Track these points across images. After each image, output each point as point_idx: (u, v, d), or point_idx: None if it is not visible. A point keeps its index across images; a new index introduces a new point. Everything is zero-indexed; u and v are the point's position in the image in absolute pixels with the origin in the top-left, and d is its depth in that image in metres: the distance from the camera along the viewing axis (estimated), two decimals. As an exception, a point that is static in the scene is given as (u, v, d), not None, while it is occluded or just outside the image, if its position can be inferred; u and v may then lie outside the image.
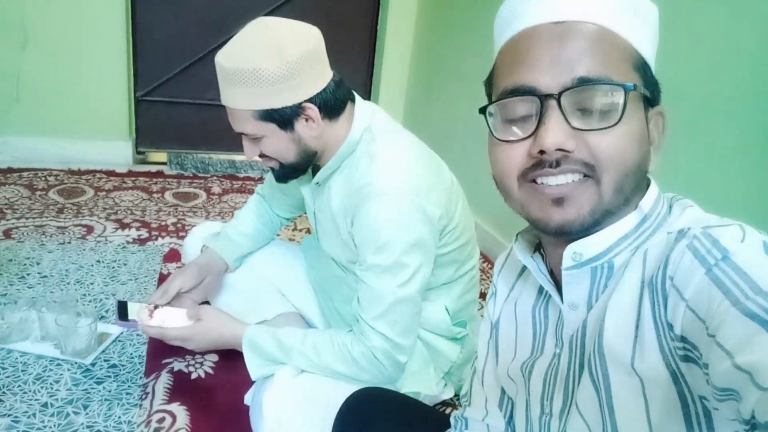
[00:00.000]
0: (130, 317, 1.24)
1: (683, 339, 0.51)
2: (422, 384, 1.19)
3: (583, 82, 0.56)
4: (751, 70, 1.13)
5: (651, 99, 0.61)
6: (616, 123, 0.56)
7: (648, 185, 0.63)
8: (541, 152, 0.57)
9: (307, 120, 1.10)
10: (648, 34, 0.61)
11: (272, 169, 1.20)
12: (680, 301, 0.51)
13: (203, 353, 1.41)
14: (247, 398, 1.26)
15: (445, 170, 1.23)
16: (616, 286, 0.60)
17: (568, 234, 0.60)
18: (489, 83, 0.66)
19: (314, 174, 1.22)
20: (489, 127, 0.62)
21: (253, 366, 1.14)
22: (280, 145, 1.11)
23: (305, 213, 1.48)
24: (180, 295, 1.34)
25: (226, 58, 1.07)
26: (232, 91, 1.07)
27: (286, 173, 1.19)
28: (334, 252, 1.26)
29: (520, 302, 0.76)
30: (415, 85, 3.06)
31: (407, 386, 1.17)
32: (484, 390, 0.84)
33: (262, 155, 1.15)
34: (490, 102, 0.62)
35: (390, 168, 1.09)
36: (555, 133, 0.56)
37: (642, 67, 0.60)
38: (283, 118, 1.08)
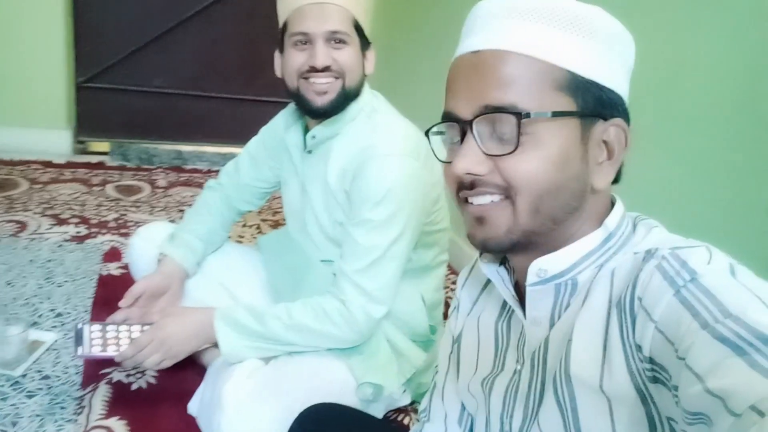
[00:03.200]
0: (92, 351, 1.12)
1: (651, 360, 0.51)
2: (386, 379, 1.18)
3: (489, 110, 0.59)
4: (717, 76, 1.14)
5: (598, 115, 0.60)
6: (515, 149, 0.57)
7: (613, 203, 0.64)
8: (457, 176, 0.61)
9: (366, 57, 1.19)
10: (591, 48, 0.60)
11: (323, 96, 1.15)
12: (649, 322, 0.51)
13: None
14: (191, 407, 1.21)
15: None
16: (582, 306, 0.60)
17: (489, 250, 0.64)
18: None
19: (305, 144, 1.25)
20: (432, 148, 0.67)
21: (228, 342, 1.12)
22: (354, 59, 1.15)
23: (264, 204, 1.50)
24: (146, 306, 1.26)
25: None
26: None
27: (337, 101, 1.15)
28: (319, 224, 1.24)
29: (483, 316, 0.76)
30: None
31: (370, 377, 1.16)
32: (444, 405, 0.84)
33: (328, 69, 1.13)
34: (430, 126, 0.67)
35: (392, 133, 1.17)
36: (464, 159, 0.59)
37: (575, 87, 0.59)
38: (364, 40, 1.17)
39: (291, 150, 1.29)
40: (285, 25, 1.16)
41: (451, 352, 0.82)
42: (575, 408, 0.59)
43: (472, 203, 0.62)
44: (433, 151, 0.66)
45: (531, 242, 0.61)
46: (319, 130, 1.20)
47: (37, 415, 1.18)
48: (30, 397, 1.23)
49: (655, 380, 0.51)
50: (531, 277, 0.62)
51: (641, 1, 1.30)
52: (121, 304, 1.23)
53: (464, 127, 0.60)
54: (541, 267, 0.62)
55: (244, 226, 2.24)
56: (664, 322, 0.50)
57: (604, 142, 0.61)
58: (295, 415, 0.93)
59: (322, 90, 1.14)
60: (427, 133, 0.67)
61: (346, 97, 1.16)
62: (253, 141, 1.43)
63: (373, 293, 1.12)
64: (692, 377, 0.45)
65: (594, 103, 0.60)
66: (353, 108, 1.18)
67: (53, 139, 2.71)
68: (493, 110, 0.58)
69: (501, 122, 0.59)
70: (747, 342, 0.43)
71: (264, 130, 1.42)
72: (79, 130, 2.83)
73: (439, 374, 0.85)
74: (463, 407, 0.81)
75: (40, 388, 1.25)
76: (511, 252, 0.64)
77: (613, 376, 0.55)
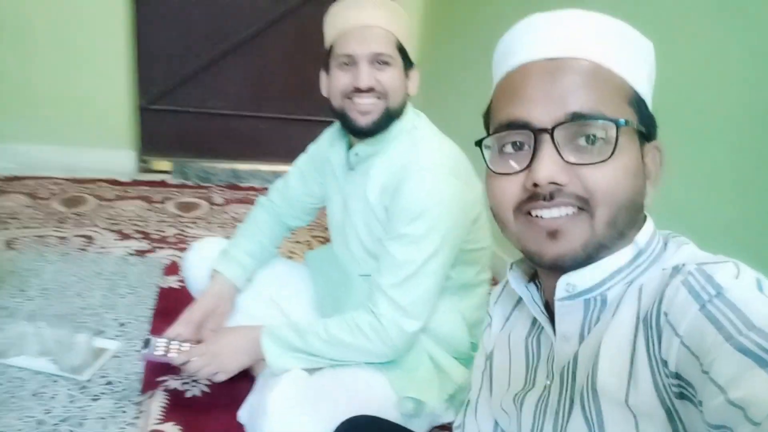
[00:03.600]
0: (155, 353, 1.23)
1: (678, 376, 0.51)
2: (427, 394, 1.20)
3: (576, 117, 0.57)
4: (738, 93, 1.13)
5: (647, 134, 0.62)
6: (609, 157, 0.57)
7: (644, 220, 0.64)
8: (535, 185, 0.58)
9: (410, 77, 1.22)
10: (644, 70, 0.62)
11: (366, 116, 1.18)
12: (674, 337, 0.51)
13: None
14: (241, 415, 1.26)
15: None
16: (610, 322, 0.60)
17: (562, 267, 0.61)
18: (487, 116, 0.68)
19: (348, 161, 1.29)
20: (485, 159, 0.63)
21: (273, 355, 1.18)
22: (397, 80, 1.17)
23: (313, 220, 1.55)
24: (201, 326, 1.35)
25: None
26: (382, 12, 1.17)
27: (380, 121, 1.18)
28: (360, 239, 1.27)
29: (514, 333, 0.77)
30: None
31: (411, 391, 1.18)
32: (477, 422, 0.84)
33: (372, 90, 1.16)
34: (487, 135, 0.64)
35: (433, 150, 1.19)
36: (547, 167, 0.57)
37: (637, 103, 0.61)
38: (407, 61, 1.20)
39: (335, 166, 1.33)
40: (331, 47, 1.21)
41: (484, 369, 0.83)
42: (602, 423, 0.59)
43: (541, 217, 0.59)
44: (486, 162, 0.64)
45: (599, 255, 0.60)
46: (361, 147, 1.23)
47: (101, 418, 1.27)
48: (95, 400, 1.32)
49: (681, 396, 0.52)
50: (560, 291, 0.62)
51: (654, 12, 1.30)
52: (181, 330, 1.30)
53: (539, 135, 0.58)
54: (569, 282, 0.61)
55: (296, 242, 2.31)
56: (689, 337, 0.50)
57: (651, 161, 0.62)
58: (336, 424, 0.97)
59: (365, 110, 1.16)
60: (479, 144, 0.64)
61: (389, 117, 1.19)
62: (302, 158, 1.48)
63: (406, 308, 1.14)
64: (715, 389, 0.45)
65: (646, 122, 0.62)
66: (396, 127, 1.21)
67: (119, 159, 2.87)
68: (584, 118, 0.57)
69: (589, 130, 0.57)
70: None
71: (312, 147, 1.46)
72: (142, 150, 2.99)
73: (472, 391, 0.86)
74: (496, 423, 0.82)
75: (104, 393, 1.34)
76: (579, 266, 0.61)
77: (640, 391, 0.55)
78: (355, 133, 1.22)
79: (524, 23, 0.64)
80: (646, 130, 0.61)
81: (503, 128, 0.61)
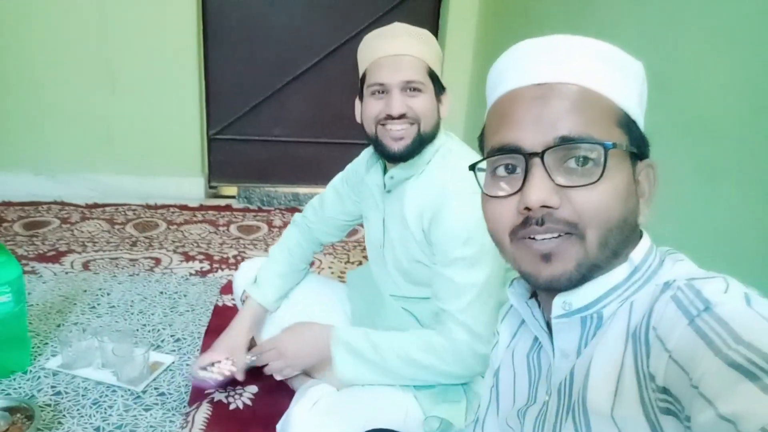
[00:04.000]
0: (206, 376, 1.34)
1: (665, 390, 0.51)
2: (454, 414, 1.20)
3: (565, 141, 0.58)
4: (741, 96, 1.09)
5: (638, 153, 0.62)
6: (598, 180, 0.58)
7: (640, 237, 0.64)
8: (527, 209, 0.59)
9: (441, 101, 1.24)
10: (633, 91, 0.63)
11: (399, 142, 1.20)
12: (663, 351, 0.52)
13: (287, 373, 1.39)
14: (279, 427, 1.32)
15: None
16: (602, 337, 0.61)
17: (557, 289, 0.62)
18: (481, 139, 0.70)
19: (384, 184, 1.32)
20: (478, 183, 0.66)
21: (342, 363, 1.22)
22: (429, 105, 1.19)
23: (344, 236, 1.60)
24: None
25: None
26: (413, 40, 1.19)
27: (413, 146, 1.20)
28: (396, 258, 1.30)
29: (518, 349, 0.78)
30: (477, 94, 3.08)
31: (438, 411, 1.19)
32: None
33: (404, 116, 1.18)
34: (480, 159, 0.66)
35: (467, 172, 1.18)
36: (539, 190, 0.58)
37: (627, 124, 0.62)
38: (438, 86, 1.22)
39: (372, 188, 1.35)
40: (364, 75, 1.25)
41: (492, 386, 0.83)
42: None
43: (535, 239, 0.60)
44: (480, 186, 0.66)
45: (593, 276, 0.61)
46: (396, 171, 1.26)
47: (151, 426, 1.36)
48: (147, 410, 1.41)
49: (667, 411, 0.52)
50: (556, 310, 0.63)
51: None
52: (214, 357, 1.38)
53: (530, 159, 0.59)
54: (565, 300, 0.62)
55: (347, 262, 2.37)
56: (678, 352, 0.50)
57: (644, 180, 0.63)
58: None
59: (398, 136, 1.19)
60: (473, 168, 0.66)
61: (422, 142, 1.21)
62: (338, 177, 1.53)
63: (479, 331, 1.15)
64: (704, 403, 0.45)
65: (638, 142, 0.63)
66: (429, 150, 1.23)
67: (190, 186, 3.07)
68: (573, 141, 0.58)
69: (578, 153, 0.58)
70: (759, 368, 0.43)
71: (349, 167, 1.51)
72: (210, 177, 3.19)
73: (480, 407, 0.87)
74: None
75: (156, 404, 1.44)
76: (574, 287, 0.62)
77: (625, 405, 0.56)
78: (389, 158, 1.24)
79: (513, 50, 0.66)
80: (638, 149, 0.62)
81: (495, 152, 0.63)
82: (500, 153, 0.62)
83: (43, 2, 2.70)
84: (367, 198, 1.40)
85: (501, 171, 0.63)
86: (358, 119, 1.29)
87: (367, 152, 1.43)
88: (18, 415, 1.29)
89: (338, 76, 3.10)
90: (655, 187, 0.64)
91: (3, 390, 1.44)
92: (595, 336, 0.62)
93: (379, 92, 1.20)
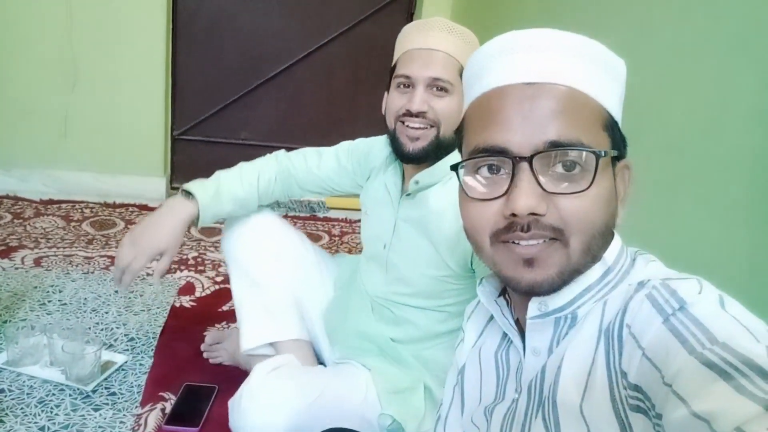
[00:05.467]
0: None
1: (637, 388, 0.51)
2: (409, 419, 1.18)
3: (555, 146, 0.57)
4: (753, 121, 1.12)
5: (619, 155, 0.62)
6: (588, 187, 0.57)
7: (612, 237, 0.65)
8: (513, 215, 0.58)
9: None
10: (616, 90, 0.63)
11: (414, 142, 1.13)
12: (637, 349, 0.52)
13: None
14: (231, 401, 1.30)
15: None
16: (575, 335, 0.61)
17: (538, 294, 0.61)
18: (459, 134, 0.68)
19: (402, 185, 1.25)
20: (460, 182, 0.63)
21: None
22: (454, 108, 1.11)
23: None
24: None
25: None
26: (449, 37, 1.12)
27: (428, 149, 1.13)
28: (402, 264, 1.23)
29: (485, 347, 0.78)
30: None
31: (393, 410, 1.18)
32: None
33: (423, 115, 1.11)
34: (463, 159, 0.64)
35: None
36: (527, 197, 0.56)
37: (611, 126, 0.61)
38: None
39: (389, 186, 1.27)
40: (394, 66, 1.17)
41: (456, 384, 0.83)
42: None
43: (518, 244, 0.59)
44: (462, 188, 0.63)
45: (573, 280, 0.61)
46: (423, 176, 1.17)
47: (100, 427, 1.31)
48: (96, 410, 1.36)
49: (637, 409, 0.52)
50: (532, 310, 0.63)
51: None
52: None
53: (517, 163, 0.58)
54: (541, 301, 0.62)
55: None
56: (652, 349, 0.50)
57: (621, 181, 0.63)
58: (311, 408, 1.04)
59: (414, 135, 1.12)
60: (455, 168, 0.64)
61: (439, 147, 1.13)
62: (344, 148, 1.42)
63: None
64: (678, 401, 0.45)
65: (618, 143, 0.62)
66: (455, 157, 1.13)
67: (151, 186, 3.00)
68: (563, 147, 0.57)
69: (567, 159, 0.57)
70: (733, 367, 0.43)
71: (360, 145, 1.40)
72: (173, 177, 3.12)
73: (443, 406, 0.86)
74: None
75: (107, 403, 1.38)
76: (551, 292, 0.62)
77: (595, 402, 0.56)
78: (402, 158, 1.18)
79: (499, 42, 0.63)
80: (618, 151, 0.62)
81: (481, 152, 0.61)
82: (486, 154, 0.60)
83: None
84: (378, 192, 1.31)
85: (484, 171, 0.61)
86: (383, 111, 1.22)
87: (386, 146, 1.30)
88: (-44, 411, 1.22)
89: (308, 83, 3.09)
90: (630, 188, 0.65)
91: (-59, 386, 1.37)
92: (568, 334, 0.63)
93: (404, 86, 1.14)
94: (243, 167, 1.43)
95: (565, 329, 0.63)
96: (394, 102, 1.15)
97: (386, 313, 1.28)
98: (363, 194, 1.38)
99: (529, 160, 0.57)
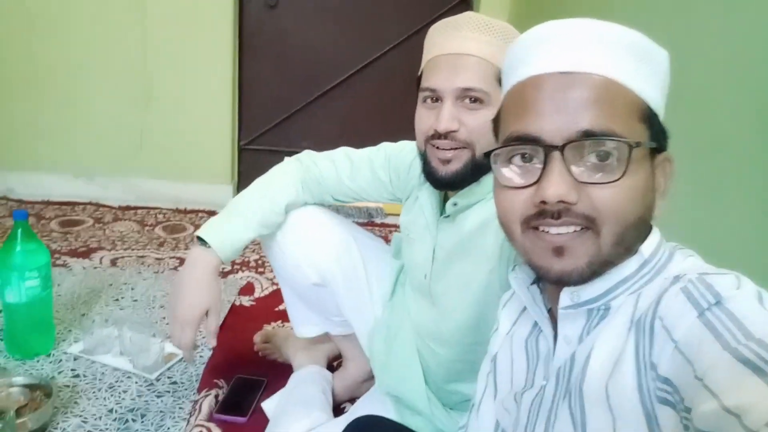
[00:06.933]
0: None
1: (666, 381, 0.51)
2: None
3: (587, 136, 0.56)
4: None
5: (658, 147, 0.61)
6: (620, 178, 0.56)
7: (650, 230, 0.63)
8: (543, 202, 0.58)
9: None
10: (657, 81, 0.62)
11: (447, 165, 0.98)
12: (669, 341, 0.51)
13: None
14: (267, 405, 1.38)
15: None
16: (606, 325, 0.61)
17: (567, 283, 0.61)
18: (496, 122, 0.68)
19: (443, 206, 1.09)
20: (493, 170, 0.64)
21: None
22: (490, 123, 0.94)
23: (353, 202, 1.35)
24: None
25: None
26: (481, 36, 0.95)
27: (464, 172, 0.97)
28: (448, 295, 1.08)
29: (516, 334, 0.77)
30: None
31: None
32: (478, 422, 0.85)
33: (453, 135, 0.95)
34: (496, 147, 0.64)
35: None
36: (557, 185, 0.56)
37: (649, 118, 0.60)
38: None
39: (425, 208, 1.12)
40: (420, 76, 1.01)
41: (489, 372, 0.83)
42: (584, 422, 0.60)
43: (548, 232, 0.59)
44: (495, 175, 0.63)
45: (605, 271, 0.60)
46: (461, 197, 1.03)
47: (161, 411, 1.41)
48: (159, 396, 1.47)
49: (665, 401, 0.52)
50: (564, 300, 0.63)
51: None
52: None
53: (549, 152, 0.57)
54: (574, 291, 0.62)
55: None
56: (684, 343, 0.50)
57: (660, 174, 0.62)
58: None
59: (445, 157, 0.96)
60: (488, 155, 0.64)
61: (477, 168, 0.97)
62: (384, 158, 1.26)
63: None
64: (708, 395, 0.45)
65: (658, 136, 0.61)
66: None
67: (219, 192, 3.15)
68: (595, 137, 0.56)
69: (600, 149, 0.57)
70: None
71: (393, 157, 1.25)
72: (239, 185, 3.28)
73: (476, 393, 0.86)
74: (498, 424, 0.81)
75: (168, 391, 1.49)
76: (580, 282, 0.61)
77: (621, 392, 0.56)
78: (435, 184, 1.02)
79: (536, 32, 0.63)
80: (657, 143, 0.61)
81: (513, 141, 0.61)
82: (519, 142, 0.60)
83: (86, 21, 2.87)
84: (415, 212, 1.16)
85: (517, 160, 0.61)
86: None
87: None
88: (37, 392, 1.36)
89: (368, 92, 3.17)
90: (671, 181, 0.63)
91: (27, 370, 1.51)
92: (599, 325, 0.62)
93: (432, 100, 0.97)
94: (261, 184, 1.31)
95: (597, 320, 0.62)
96: (421, 121, 0.99)
97: (430, 355, 1.15)
98: (403, 215, 1.22)
99: (561, 148, 0.57)
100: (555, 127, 0.57)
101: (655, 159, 0.61)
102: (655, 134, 0.61)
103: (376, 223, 2.95)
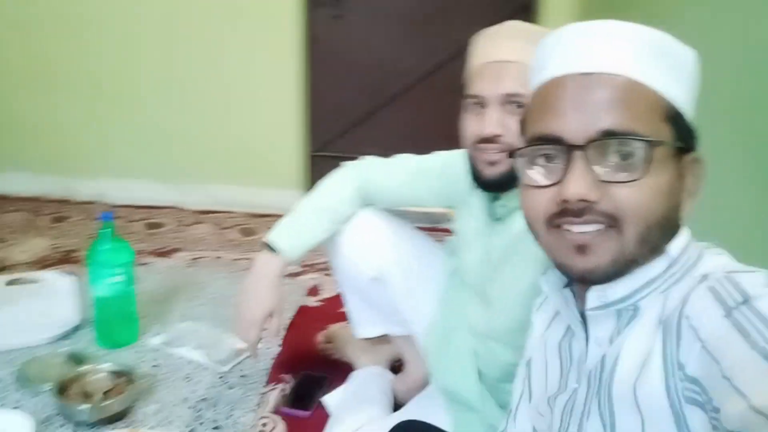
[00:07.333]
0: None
1: (694, 380, 0.51)
2: None
3: (609, 135, 0.57)
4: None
5: (685, 147, 0.61)
6: (641, 177, 0.57)
7: (678, 230, 0.63)
8: (565, 201, 0.59)
9: None
10: (683, 81, 0.62)
11: (492, 167, 1.01)
12: (695, 341, 0.51)
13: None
14: (328, 400, 1.43)
15: None
16: (635, 325, 0.61)
17: (591, 281, 0.62)
18: (523, 123, 0.69)
19: (493, 209, 1.11)
20: (518, 170, 0.65)
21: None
22: None
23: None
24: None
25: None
26: (520, 43, 0.98)
27: (510, 174, 0.94)
28: (507, 295, 1.09)
29: (550, 338, 0.78)
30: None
31: None
32: (516, 427, 0.86)
33: (499, 139, 0.98)
34: (521, 147, 0.65)
35: None
36: (578, 184, 0.57)
37: (674, 118, 0.60)
38: None
39: (476, 213, 1.15)
40: (465, 86, 1.06)
41: (525, 377, 0.84)
42: (614, 423, 0.60)
43: (571, 231, 0.60)
44: (520, 175, 0.64)
45: (629, 270, 0.60)
46: (509, 200, 1.05)
47: (231, 402, 1.49)
48: (230, 388, 1.55)
49: (693, 402, 0.52)
50: (591, 301, 0.63)
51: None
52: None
53: (571, 152, 0.58)
54: (601, 292, 0.62)
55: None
56: (711, 342, 0.50)
57: (690, 174, 0.62)
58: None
59: (492, 160, 1.00)
60: (512, 155, 0.65)
61: None
62: (440, 170, 1.29)
63: None
64: (736, 395, 0.45)
65: (685, 136, 0.61)
66: None
67: (291, 198, 3.25)
68: (616, 136, 0.57)
69: (622, 148, 0.57)
70: None
71: (442, 165, 1.29)
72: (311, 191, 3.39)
73: (513, 398, 0.87)
74: (534, 430, 0.82)
75: (238, 384, 1.57)
76: (605, 281, 0.61)
77: (650, 393, 0.56)
78: (482, 187, 1.06)
79: (559, 33, 0.64)
80: (685, 143, 0.61)
81: (536, 141, 0.62)
82: (541, 142, 0.61)
83: (162, 34, 3.07)
84: (468, 217, 1.19)
85: (541, 160, 0.62)
86: None
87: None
88: (122, 379, 1.48)
89: (433, 100, 3.19)
90: (702, 182, 0.63)
91: (113, 358, 1.64)
92: (629, 325, 0.62)
93: (479, 106, 1.01)
94: (321, 192, 1.38)
95: (626, 321, 0.62)
96: (467, 127, 1.03)
97: (486, 353, 1.17)
98: (456, 221, 1.26)
99: (583, 148, 0.57)
100: (576, 127, 0.58)
101: (682, 159, 0.61)
102: (681, 134, 0.60)
103: (439, 228, 2.97)
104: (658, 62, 0.60)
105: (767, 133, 1.13)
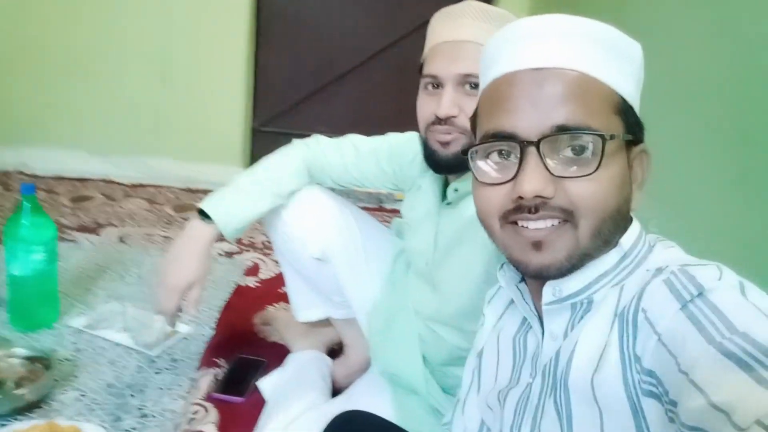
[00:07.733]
0: None
1: (651, 373, 0.51)
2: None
3: (562, 130, 0.57)
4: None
5: (634, 140, 0.62)
6: (594, 171, 0.57)
7: (629, 222, 0.64)
8: (521, 198, 0.58)
9: None
10: (631, 74, 0.63)
11: (446, 147, 1.00)
12: (652, 334, 0.51)
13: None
14: (263, 385, 1.37)
15: None
16: (590, 319, 0.61)
17: (546, 277, 0.62)
18: (474, 120, 0.69)
19: (444, 193, 1.10)
20: (471, 168, 0.65)
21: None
22: None
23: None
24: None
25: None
26: (480, 24, 0.97)
27: (461, 156, 0.96)
28: (452, 282, 1.09)
29: (504, 331, 0.78)
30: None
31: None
32: (464, 418, 0.85)
33: (452, 120, 0.97)
34: (474, 144, 0.65)
35: None
36: (533, 181, 0.57)
37: (624, 111, 0.61)
38: None
39: (427, 193, 1.14)
40: (421, 65, 1.04)
41: (475, 368, 0.84)
42: (570, 416, 0.60)
43: (526, 227, 0.60)
44: (473, 172, 0.64)
45: (583, 264, 0.61)
46: (461, 183, 1.05)
47: (159, 388, 1.41)
48: (158, 373, 1.46)
49: (650, 394, 0.52)
50: (546, 296, 0.63)
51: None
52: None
53: (525, 148, 0.58)
54: (555, 287, 0.63)
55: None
56: (667, 335, 0.50)
57: (638, 166, 0.63)
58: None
59: (445, 140, 0.99)
60: (465, 152, 0.65)
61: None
62: (388, 152, 1.27)
63: None
64: (695, 391, 0.45)
65: (634, 128, 0.62)
66: None
67: (232, 174, 3.14)
68: (570, 131, 0.57)
69: (574, 143, 0.57)
70: (754, 358, 0.43)
71: (395, 145, 1.26)
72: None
73: (462, 389, 0.87)
74: (483, 422, 0.82)
75: (167, 368, 1.49)
76: (563, 276, 0.62)
77: (607, 385, 0.56)
78: (435, 168, 1.05)
79: (510, 29, 0.64)
80: (633, 135, 0.62)
81: (490, 138, 0.62)
82: (495, 139, 0.61)
83: (105, 1, 2.87)
84: (417, 200, 1.18)
85: (495, 157, 0.62)
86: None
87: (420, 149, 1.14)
88: (37, 364, 1.36)
89: (383, 78, 3.14)
90: (648, 173, 0.64)
91: (29, 342, 1.52)
92: (583, 318, 0.62)
93: (433, 86, 1.00)
94: (267, 165, 1.31)
95: (581, 314, 0.63)
96: (422, 107, 1.02)
97: (431, 337, 1.16)
98: (405, 204, 1.25)
99: (536, 144, 0.57)
100: (530, 122, 0.58)
101: (631, 151, 0.62)
102: (631, 127, 0.61)
103: (385, 209, 2.93)
104: (608, 56, 0.60)
105: (744, 128, 1.14)
